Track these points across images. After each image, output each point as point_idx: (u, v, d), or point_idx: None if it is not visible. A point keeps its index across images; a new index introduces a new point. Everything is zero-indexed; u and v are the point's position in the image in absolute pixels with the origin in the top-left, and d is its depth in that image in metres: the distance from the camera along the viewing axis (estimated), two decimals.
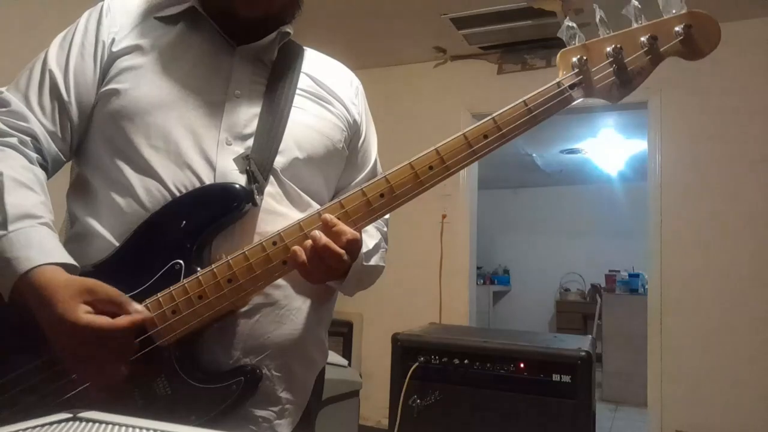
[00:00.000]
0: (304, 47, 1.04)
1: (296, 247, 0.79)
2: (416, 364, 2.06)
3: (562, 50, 0.85)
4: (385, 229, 1.06)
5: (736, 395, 3.16)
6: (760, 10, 3.23)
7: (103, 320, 0.74)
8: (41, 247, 0.77)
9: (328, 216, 0.80)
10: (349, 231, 0.80)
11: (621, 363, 5.07)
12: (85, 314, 0.73)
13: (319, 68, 1.01)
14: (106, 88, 0.88)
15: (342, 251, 0.79)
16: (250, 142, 0.88)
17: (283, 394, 0.89)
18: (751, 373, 3.15)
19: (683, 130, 3.45)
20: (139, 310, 0.77)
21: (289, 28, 0.96)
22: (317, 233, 0.79)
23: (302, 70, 0.98)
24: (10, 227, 0.77)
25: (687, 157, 3.44)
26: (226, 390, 0.81)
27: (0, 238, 0.76)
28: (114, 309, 0.76)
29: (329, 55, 1.09)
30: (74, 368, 0.78)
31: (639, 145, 5.40)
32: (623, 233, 6.88)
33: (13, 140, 0.85)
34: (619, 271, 6.06)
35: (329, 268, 0.80)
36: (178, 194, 0.84)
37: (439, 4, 3.31)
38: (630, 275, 5.79)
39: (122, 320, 0.75)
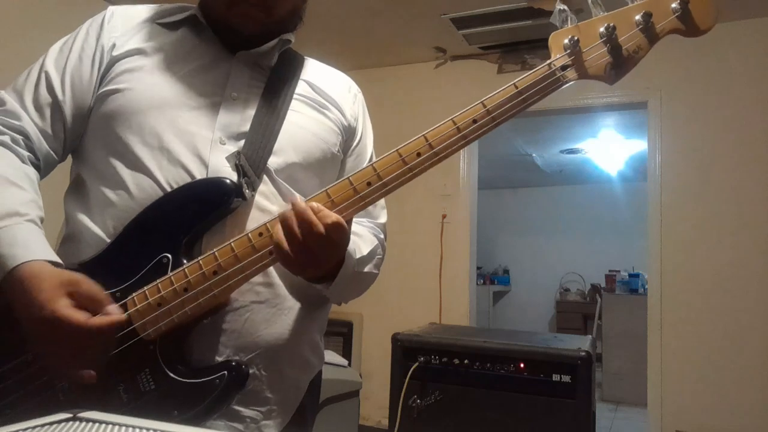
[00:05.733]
0: (305, 56, 1.04)
1: (280, 236, 0.77)
2: (416, 364, 2.05)
3: (554, 32, 0.82)
4: (382, 236, 1.04)
5: (736, 395, 3.15)
6: (761, 9, 3.23)
7: (80, 316, 0.73)
8: (26, 245, 0.77)
9: (314, 204, 0.79)
10: (333, 214, 0.78)
11: (621, 363, 5.06)
12: (65, 307, 0.73)
13: (317, 76, 1.01)
14: (105, 89, 0.89)
15: (323, 230, 0.76)
16: (244, 142, 0.88)
17: (271, 395, 0.88)
18: (752, 373, 3.14)
19: (683, 130, 3.45)
20: (111, 312, 0.75)
21: (290, 36, 0.97)
22: (300, 205, 0.76)
23: (301, 77, 0.98)
24: None
25: (687, 157, 3.43)
26: (209, 385, 0.79)
27: None
28: (93, 306, 0.75)
29: (329, 54, 1.08)
30: (44, 358, 0.77)
31: (639, 145, 5.40)
32: (623, 233, 6.89)
33: (5, 138, 0.86)
34: (619, 271, 6.07)
35: (312, 253, 0.77)
36: (170, 190, 0.84)
37: (439, 4, 3.31)
38: (630, 275, 5.80)
39: (95, 320, 0.74)
